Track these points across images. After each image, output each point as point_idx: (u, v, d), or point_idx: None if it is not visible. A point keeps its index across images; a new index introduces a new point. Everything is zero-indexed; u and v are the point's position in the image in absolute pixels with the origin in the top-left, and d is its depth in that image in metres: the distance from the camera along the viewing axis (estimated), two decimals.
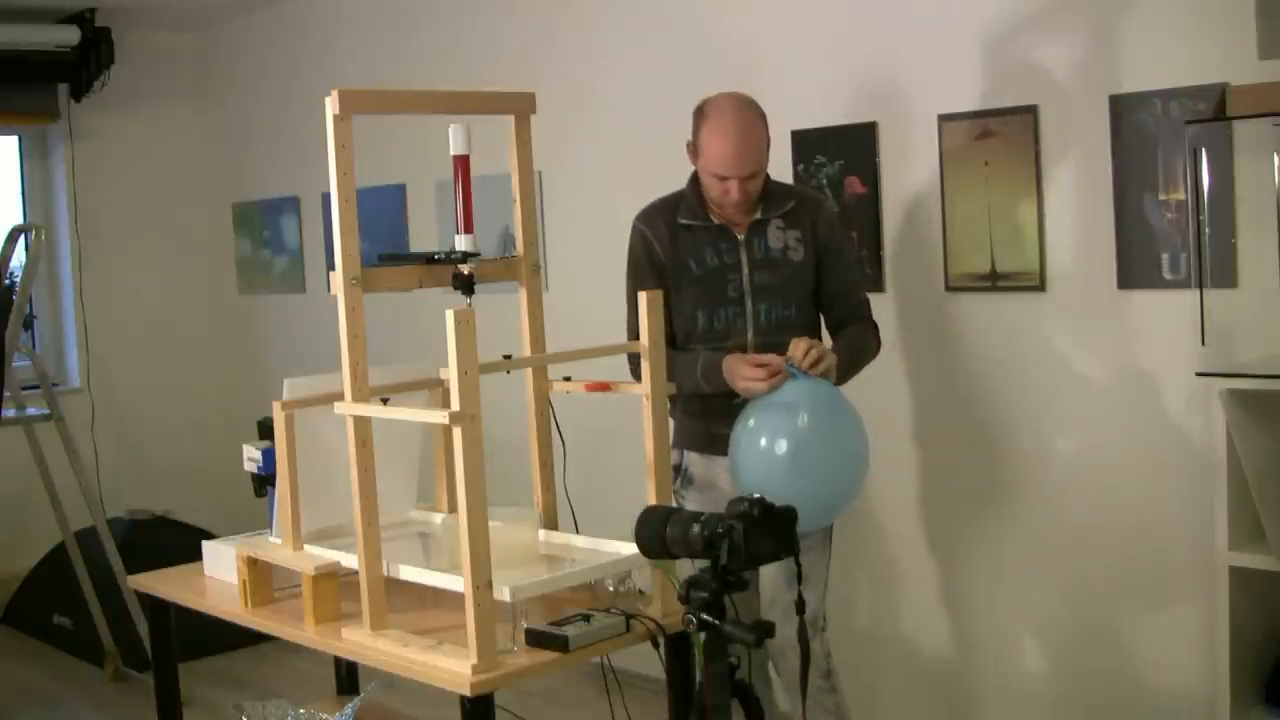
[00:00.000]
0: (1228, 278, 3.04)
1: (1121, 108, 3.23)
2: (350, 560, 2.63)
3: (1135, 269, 3.25)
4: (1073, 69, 3.33)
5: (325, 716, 2.85)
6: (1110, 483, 3.38)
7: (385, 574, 2.57)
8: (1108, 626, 3.42)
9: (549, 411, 2.88)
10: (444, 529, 2.94)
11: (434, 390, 2.99)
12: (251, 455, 3.08)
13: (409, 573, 2.59)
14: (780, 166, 3.30)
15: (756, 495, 2.08)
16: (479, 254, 2.71)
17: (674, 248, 3.14)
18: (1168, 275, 3.18)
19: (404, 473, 3.07)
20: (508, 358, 2.61)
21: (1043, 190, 3.41)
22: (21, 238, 4.93)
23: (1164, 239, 3.18)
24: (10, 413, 4.89)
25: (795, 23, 3.95)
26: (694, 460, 3.23)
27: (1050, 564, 3.52)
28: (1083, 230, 3.35)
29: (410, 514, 3.13)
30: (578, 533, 2.87)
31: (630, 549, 2.48)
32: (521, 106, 2.80)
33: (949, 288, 3.63)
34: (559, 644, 2.43)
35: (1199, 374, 2.89)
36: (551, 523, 2.89)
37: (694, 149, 3.13)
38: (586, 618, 2.51)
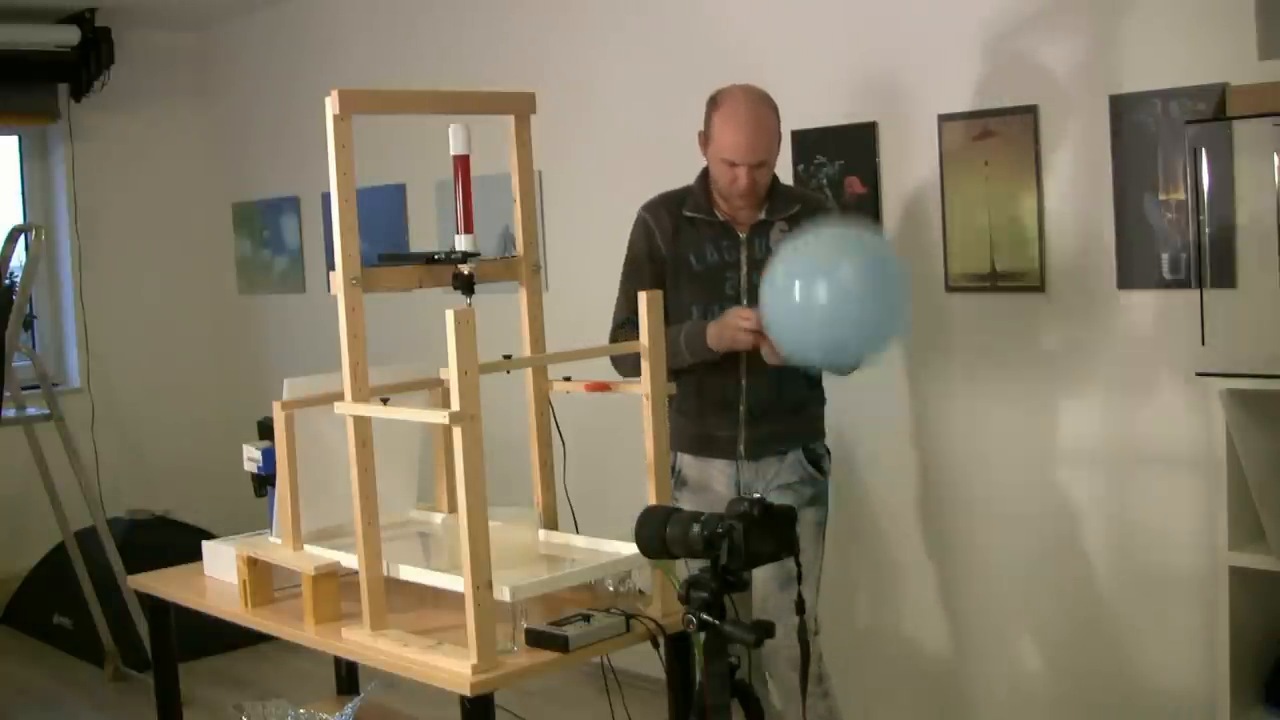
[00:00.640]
0: (1228, 278, 3.04)
1: (1121, 108, 3.23)
2: (350, 560, 2.63)
3: (1135, 269, 3.25)
4: (1073, 69, 3.33)
5: (325, 716, 2.85)
6: (1110, 483, 3.37)
7: (385, 574, 2.57)
8: (1107, 626, 3.42)
9: (549, 411, 2.88)
10: (444, 529, 2.94)
11: (434, 390, 2.99)
12: (251, 455, 3.08)
13: (409, 573, 2.59)
14: (780, 166, 3.30)
15: (756, 495, 2.08)
16: (479, 254, 2.71)
17: (675, 241, 3.14)
18: (1168, 275, 3.18)
19: (404, 473, 3.07)
20: (508, 358, 2.61)
21: (1043, 191, 3.41)
22: (21, 238, 4.93)
23: (1164, 239, 3.18)
24: (10, 413, 4.89)
25: (795, 22, 3.95)
26: (688, 462, 3.24)
27: (1050, 564, 3.52)
28: (1083, 230, 3.35)
29: (410, 514, 3.13)
30: (578, 533, 2.87)
31: (630, 549, 2.48)
32: (521, 106, 2.80)
33: (949, 288, 3.63)
34: (559, 644, 2.43)
35: (1199, 374, 2.89)
36: (551, 523, 2.89)
37: (705, 138, 3.14)
38: (586, 618, 2.51)
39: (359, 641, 2.53)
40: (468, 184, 2.72)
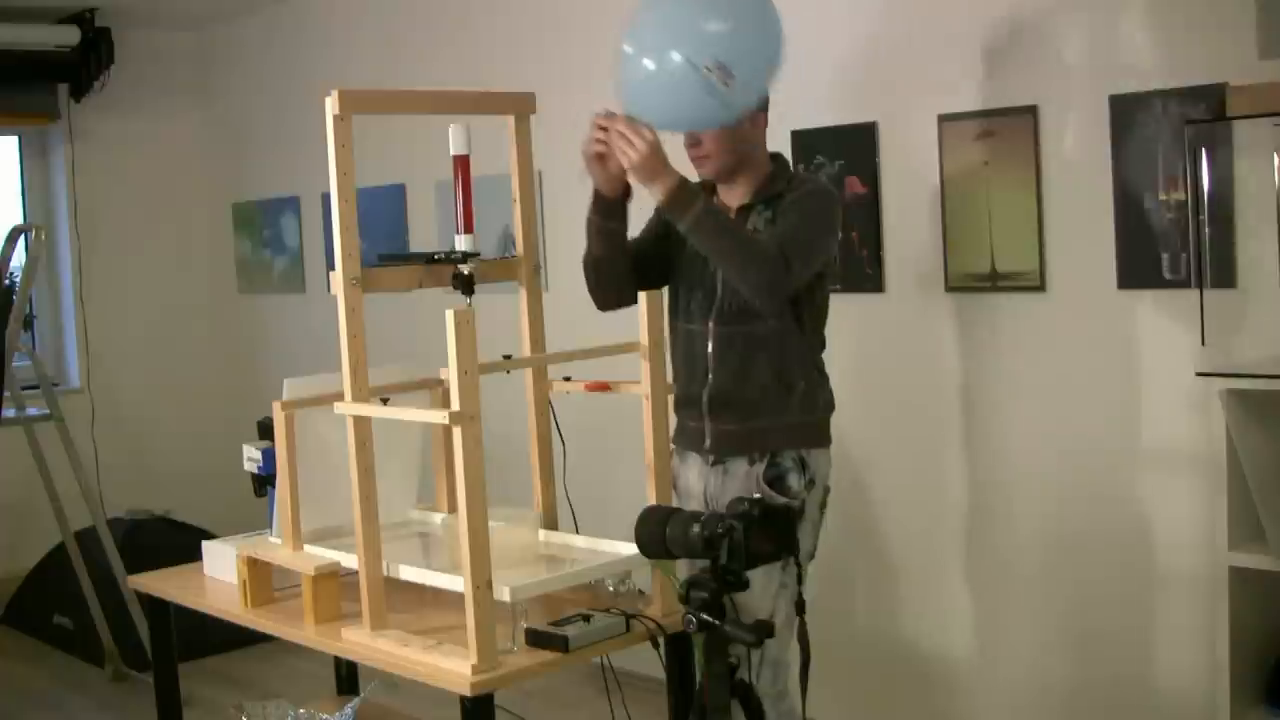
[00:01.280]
0: (1228, 278, 3.04)
1: (1121, 108, 3.23)
2: (350, 560, 2.63)
3: (1135, 269, 3.25)
4: (1073, 69, 3.33)
5: (325, 716, 2.85)
6: (1110, 482, 3.37)
7: (385, 574, 2.57)
8: (1107, 626, 3.42)
9: (549, 411, 2.88)
10: (444, 529, 2.95)
11: (434, 390, 2.99)
12: (251, 455, 3.08)
13: (409, 573, 2.59)
14: None
15: (756, 495, 2.08)
16: (479, 254, 2.71)
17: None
18: (1168, 275, 3.18)
19: (404, 473, 3.07)
20: (508, 358, 2.61)
21: (1043, 190, 3.41)
22: (21, 238, 4.93)
23: (1164, 239, 3.18)
24: (10, 413, 4.90)
25: (795, 22, 3.94)
26: (675, 456, 3.19)
27: (1050, 564, 3.52)
28: (1083, 230, 3.35)
29: (410, 514, 3.13)
30: (578, 533, 2.87)
31: (630, 549, 2.48)
32: (521, 106, 2.80)
33: (949, 288, 3.63)
34: (559, 644, 2.43)
35: (1199, 374, 2.89)
36: (551, 523, 2.89)
37: None
38: (586, 618, 2.51)
39: (359, 641, 2.53)
40: (468, 184, 2.73)
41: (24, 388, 5.08)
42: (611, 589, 2.73)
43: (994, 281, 3.53)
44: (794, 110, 3.84)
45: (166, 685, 3.15)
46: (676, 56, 2.64)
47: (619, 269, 2.96)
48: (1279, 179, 2.93)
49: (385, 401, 2.60)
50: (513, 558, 2.63)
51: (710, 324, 2.90)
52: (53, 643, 5.35)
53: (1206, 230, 3.00)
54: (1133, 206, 3.23)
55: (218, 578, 3.07)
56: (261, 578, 2.85)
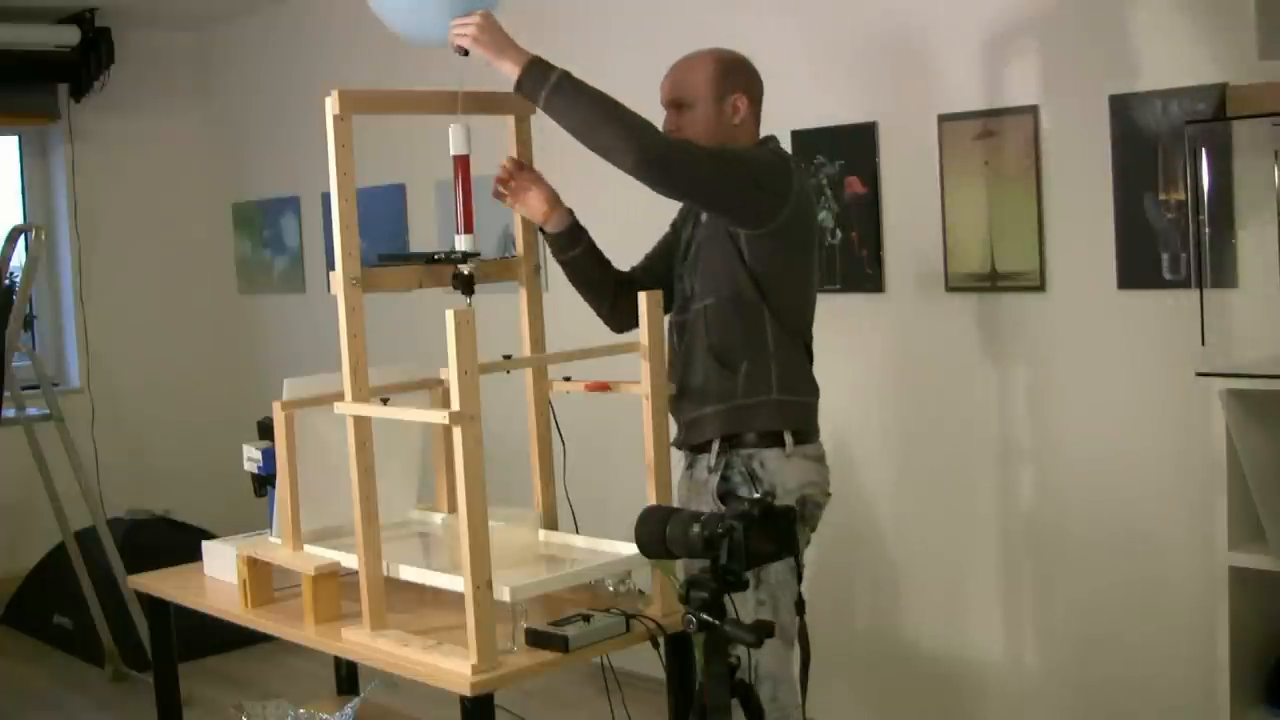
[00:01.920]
0: (1228, 278, 3.04)
1: (1121, 108, 3.23)
2: (350, 560, 2.63)
3: (1135, 269, 3.25)
4: (1073, 69, 3.33)
5: (325, 716, 2.85)
6: (1110, 483, 3.37)
7: (385, 574, 2.57)
8: (1107, 626, 3.42)
9: (549, 411, 2.88)
10: (444, 529, 2.95)
11: (434, 390, 2.99)
12: (251, 455, 3.08)
13: (409, 573, 2.59)
14: None
15: (757, 495, 2.07)
16: (479, 254, 2.71)
17: (681, 214, 3.06)
18: (1168, 275, 3.18)
19: (404, 473, 3.07)
20: (508, 358, 2.61)
21: (1043, 190, 3.41)
22: (21, 238, 4.93)
23: (1164, 239, 3.18)
24: (10, 413, 4.90)
25: (795, 23, 3.95)
26: None
27: (1049, 563, 3.52)
28: (1083, 230, 3.35)
29: (410, 514, 3.13)
30: (578, 533, 2.87)
31: (630, 549, 2.48)
32: (521, 107, 2.80)
33: (949, 288, 3.63)
34: (559, 644, 2.43)
35: (1199, 374, 2.89)
36: (551, 523, 2.89)
37: None
38: (586, 618, 2.51)
39: (359, 641, 2.53)
40: (468, 184, 2.72)
41: (24, 388, 5.08)
42: (611, 589, 2.73)
43: (994, 281, 3.53)
44: (794, 110, 3.85)
45: (166, 685, 3.15)
46: None
47: (605, 292, 2.96)
48: (1279, 179, 2.93)
49: (385, 401, 2.59)
50: (513, 558, 2.63)
51: (670, 317, 2.86)
52: (53, 643, 5.35)
53: (1206, 230, 3.00)
54: (1133, 206, 3.23)
55: (218, 578, 3.07)
56: (261, 578, 2.85)
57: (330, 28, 5.69)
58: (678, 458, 2.78)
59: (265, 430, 3.06)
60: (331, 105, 2.49)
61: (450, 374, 2.27)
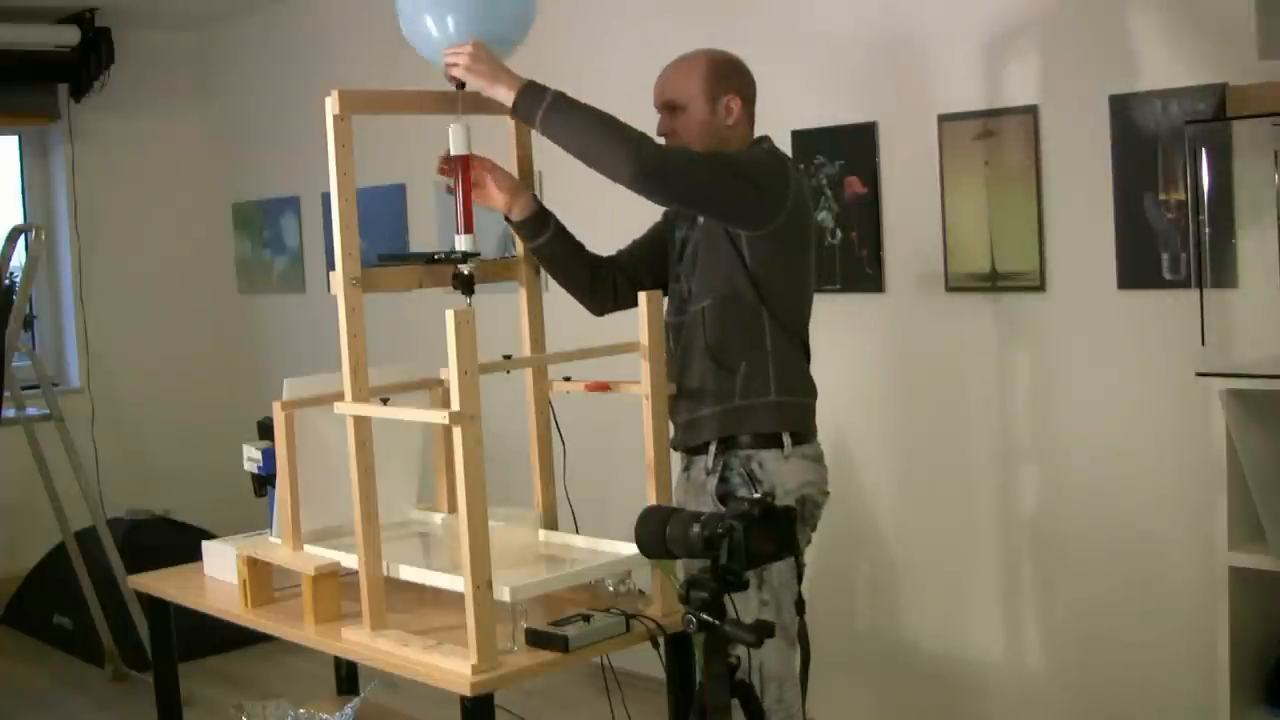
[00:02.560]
0: (1228, 278, 3.04)
1: (1121, 108, 3.23)
2: (350, 560, 2.63)
3: (1135, 269, 3.25)
4: (1073, 69, 3.34)
5: (325, 716, 2.85)
6: (1110, 483, 3.37)
7: (385, 574, 2.57)
8: (1107, 626, 3.42)
9: (549, 411, 2.88)
10: (444, 529, 2.94)
11: (434, 390, 2.99)
12: (251, 455, 3.08)
13: (409, 573, 2.59)
14: None
15: (758, 495, 2.07)
16: (479, 254, 2.71)
17: (678, 216, 3.05)
18: (1168, 275, 3.19)
19: (404, 473, 3.07)
20: (508, 358, 2.61)
21: (1043, 190, 3.41)
22: (21, 238, 4.93)
23: (1164, 239, 3.18)
24: (10, 413, 4.90)
25: (795, 22, 3.95)
26: None
27: (1049, 563, 3.52)
28: (1083, 230, 3.35)
29: (410, 514, 3.13)
30: (578, 533, 2.87)
31: (630, 549, 2.48)
32: None
33: (949, 288, 3.63)
34: (559, 644, 2.43)
35: (1199, 374, 2.89)
36: (551, 523, 2.89)
37: None
38: (586, 618, 2.50)
39: (359, 641, 2.53)
40: (468, 184, 2.73)
41: (24, 388, 5.08)
42: (611, 589, 2.73)
43: (994, 281, 3.53)
44: (794, 110, 3.85)
45: (166, 685, 3.15)
46: None
47: (581, 275, 2.94)
48: (1279, 179, 2.93)
49: (385, 401, 2.59)
50: (513, 558, 2.63)
51: (665, 318, 2.83)
52: (53, 643, 5.35)
53: (1206, 230, 3.00)
54: (1133, 206, 3.23)
55: (218, 578, 3.07)
56: (261, 578, 2.85)
57: (330, 28, 5.69)
58: (675, 459, 2.78)
59: (265, 430, 3.06)
60: (331, 105, 2.49)
61: (450, 374, 2.27)
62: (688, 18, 4.22)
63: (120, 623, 4.90)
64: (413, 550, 2.93)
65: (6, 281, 4.85)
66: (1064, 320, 3.42)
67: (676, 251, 2.93)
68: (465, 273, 2.67)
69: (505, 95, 2.63)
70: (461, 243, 2.69)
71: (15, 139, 6.32)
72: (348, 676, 3.49)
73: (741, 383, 2.78)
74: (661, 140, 2.84)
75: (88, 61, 5.92)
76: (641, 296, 2.60)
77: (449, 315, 2.26)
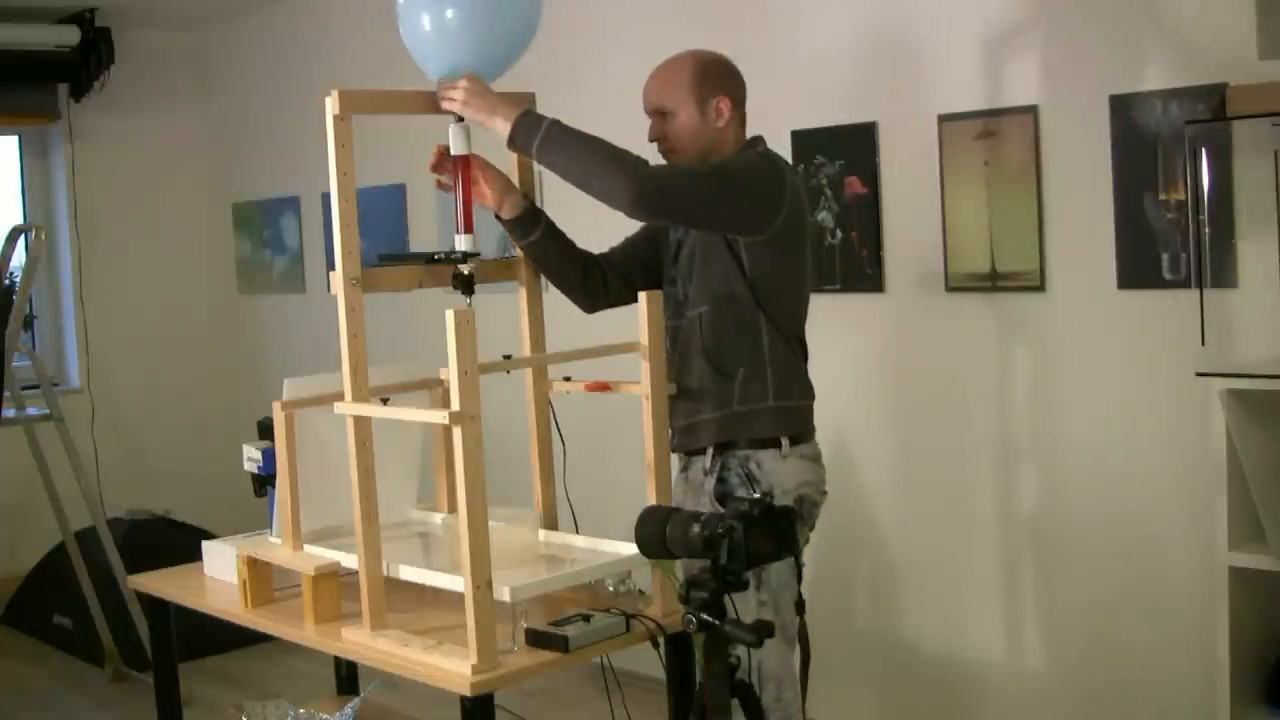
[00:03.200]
0: (1228, 278, 3.04)
1: (1121, 108, 3.23)
2: (350, 560, 2.63)
3: (1135, 269, 3.25)
4: (1073, 69, 3.33)
5: (325, 716, 2.85)
6: (1110, 483, 3.37)
7: (385, 574, 2.57)
8: (1107, 626, 3.42)
9: (549, 411, 2.88)
10: (444, 529, 2.95)
11: (434, 390, 2.99)
12: (251, 455, 3.08)
13: (409, 573, 2.59)
14: None
15: (757, 495, 2.07)
16: (479, 254, 2.71)
17: None
18: (1168, 275, 3.19)
19: (404, 473, 3.07)
20: (508, 358, 2.61)
21: (1043, 190, 3.41)
22: (21, 238, 4.93)
23: (1164, 239, 3.18)
24: (10, 413, 4.90)
25: (795, 23, 3.95)
26: None
27: (1049, 563, 3.52)
28: (1083, 230, 3.35)
29: (410, 514, 3.13)
30: (578, 533, 2.87)
31: (630, 549, 2.48)
32: None
33: (949, 288, 3.63)
34: (559, 644, 2.43)
35: (1199, 374, 2.89)
36: (551, 523, 2.89)
37: None
38: (586, 618, 2.51)
39: (359, 641, 2.53)
40: (468, 184, 2.73)
41: (24, 388, 5.08)
42: (611, 589, 2.73)
43: (994, 281, 3.53)
44: (794, 110, 3.85)
45: (166, 685, 3.15)
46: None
47: (573, 273, 2.94)
48: (1279, 179, 2.93)
49: (385, 401, 2.59)
50: (513, 558, 2.63)
51: (668, 322, 2.83)
52: (53, 643, 5.35)
53: (1206, 230, 3.00)
54: (1133, 206, 3.23)
55: (218, 578, 3.07)
56: (261, 578, 2.85)
57: (330, 28, 5.69)
58: (673, 459, 2.78)
59: (265, 430, 3.06)
60: (331, 105, 2.49)
61: (450, 374, 2.27)
62: (688, 18, 4.22)
63: (120, 623, 4.90)
64: (413, 550, 2.93)
65: (6, 281, 4.85)
66: (1064, 320, 3.42)
67: (672, 254, 2.92)
68: (465, 273, 2.67)
69: (502, 127, 2.64)
70: (461, 243, 2.69)
71: (15, 139, 6.32)
72: (348, 676, 3.49)
73: (740, 388, 2.78)
74: (654, 145, 2.85)
75: (88, 61, 5.92)
76: (642, 296, 2.60)
77: (449, 315, 2.26)
